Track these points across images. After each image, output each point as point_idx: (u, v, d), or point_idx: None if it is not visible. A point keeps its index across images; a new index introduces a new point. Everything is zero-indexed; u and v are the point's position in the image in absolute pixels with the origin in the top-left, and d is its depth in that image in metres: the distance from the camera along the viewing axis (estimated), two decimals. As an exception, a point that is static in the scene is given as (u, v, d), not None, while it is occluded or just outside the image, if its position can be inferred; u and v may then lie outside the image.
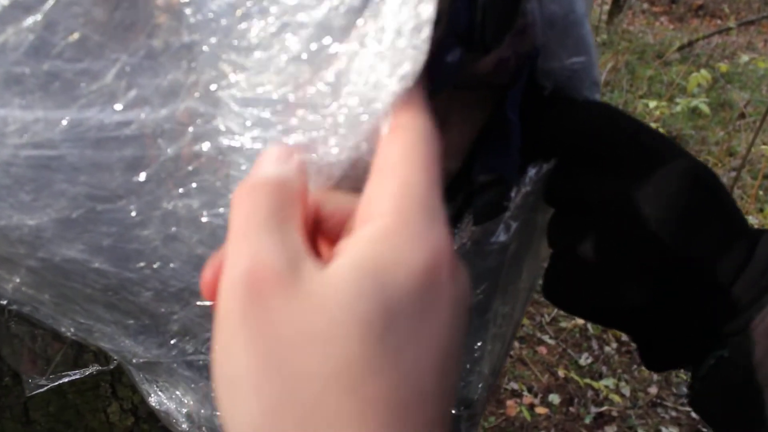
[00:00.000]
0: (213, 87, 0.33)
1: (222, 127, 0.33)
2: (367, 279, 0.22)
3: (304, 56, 0.28)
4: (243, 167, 0.34)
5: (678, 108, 3.42)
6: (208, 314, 0.45)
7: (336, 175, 0.29)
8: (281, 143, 0.29)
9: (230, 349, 0.23)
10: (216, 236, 0.39)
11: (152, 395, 0.59)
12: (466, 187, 0.43)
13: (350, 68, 0.27)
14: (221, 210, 0.38)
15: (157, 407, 0.60)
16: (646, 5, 6.67)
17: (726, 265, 0.38)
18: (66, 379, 0.67)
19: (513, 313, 0.61)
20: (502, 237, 0.44)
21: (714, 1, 6.58)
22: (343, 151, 0.28)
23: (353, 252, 0.23)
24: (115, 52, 0.33)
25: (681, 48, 4.55)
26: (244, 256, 0.24)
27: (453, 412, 0.67)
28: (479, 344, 0.61)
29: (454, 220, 0.44)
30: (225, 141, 0.34)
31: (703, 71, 3.22)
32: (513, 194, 0.43)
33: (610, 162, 0.38)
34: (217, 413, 0.57)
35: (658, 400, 2.19)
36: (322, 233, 0.28)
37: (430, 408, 0.22)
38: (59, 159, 0.36)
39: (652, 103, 3.30)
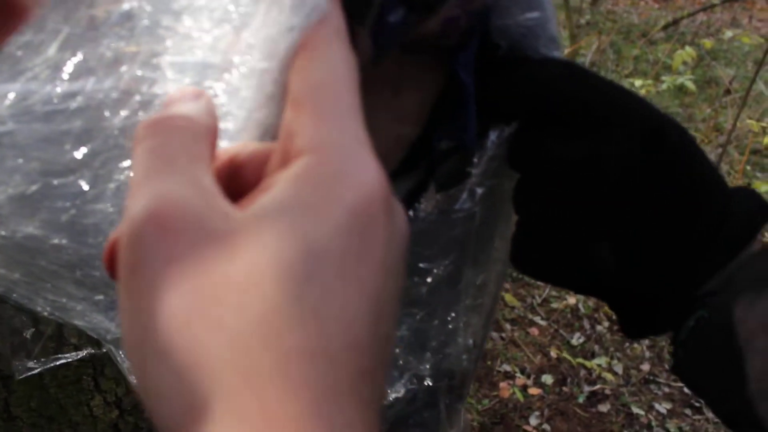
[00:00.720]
0: (153, 54, 0.33)
1: (162, 94, 0.34)
2: (286, 220, 0.20)
3: (225, 18, 0.28)
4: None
5: (664, 86, 3.42)
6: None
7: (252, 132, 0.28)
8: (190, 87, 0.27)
9: (135, 304, 0.20)
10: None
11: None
12: (427, 155, 0.42)
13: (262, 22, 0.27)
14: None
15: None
16: (630, -14, 6.66)
17: (700, 222, 0.37)
18: (58, 363, 0.66)
19: (488, 283, 0.62)
20: (467, 204, 0.44)
21: (698, -21, 6.58)
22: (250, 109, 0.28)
23: (273, 193, 0.21)
24: (57, 23, 0.34)
25: (666, 27, 4.55)
26: (146, 196, 0.21)
27: (431, 383, 0.68)
28: (452, 315, 0.62)
29: (418, 189, 0.44)
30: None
31: (688, 48, 3.23)
32: (476, 160, 0.42)
33: (572, 122, 0.37)
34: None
35: (651, 377, 2.21)
36: (239, 182, 0.25)
37: (364, 358, 0.20)
38: (9, 135, 0.36)
39: (638, 82, 3.30)
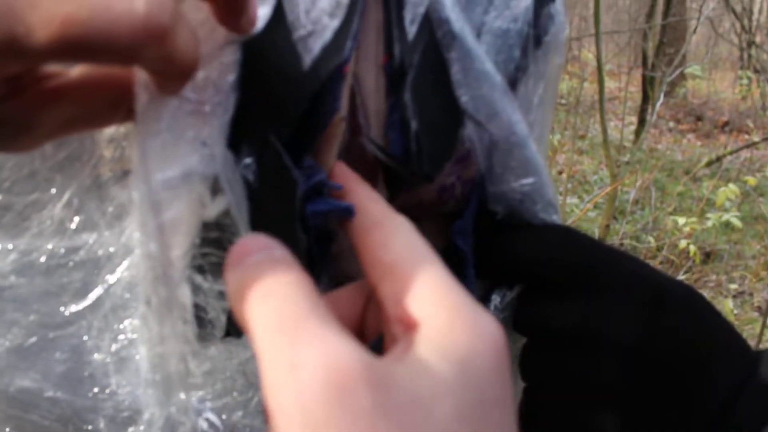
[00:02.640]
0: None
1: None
2: (455, 368, 0.23)
3: None
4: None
5: (710, 223, 3.38)
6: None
7: None
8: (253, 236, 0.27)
9: None
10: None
11: None
12: None
13: None
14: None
15: None
16: (672, 123, 6.78)
17: (719, 388, 0.34)
18: None
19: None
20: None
21: (739, 118, 6.66)
22: None
23: (427, 344, 0.23)
24: (64, 183, 0.35)
25: (709, 163, 4.56)
26: (312, 353, 0.21)
27: None
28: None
29: None
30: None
31: (732, 185, 3.21)
32: None
33: (572, 288, 0.36)
34: None
35: None
36: None
37: None
38: (11, 289, 0.37)
39: (682, 220, 3.27)
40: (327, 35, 0.31)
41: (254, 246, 0.25)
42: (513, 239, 0.38)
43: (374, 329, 0.29)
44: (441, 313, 0.24)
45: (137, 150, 0.27)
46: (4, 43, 0.21)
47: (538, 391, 0.38)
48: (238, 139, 0.30)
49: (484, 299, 0.40)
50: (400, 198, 0.38)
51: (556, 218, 0.38)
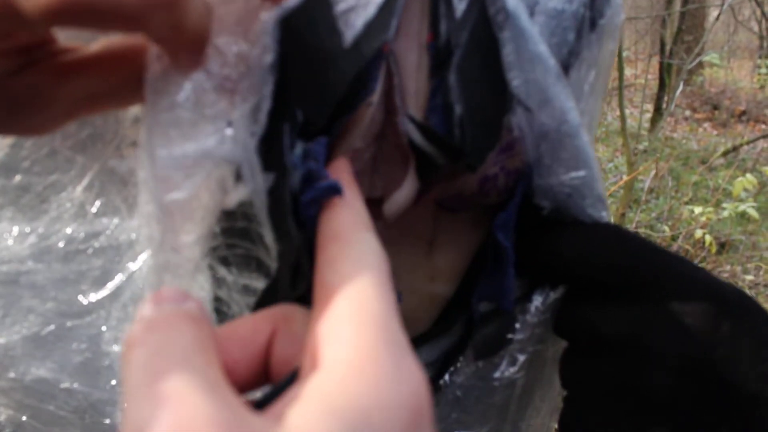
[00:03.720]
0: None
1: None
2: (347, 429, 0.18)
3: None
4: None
5: (725, 213, 3.34)
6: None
7: None
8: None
9: None
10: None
11: None
12: (465, 315, 0.39)
13: None
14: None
15: None
16: (688, 112, 6.70)
17: None
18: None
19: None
20: (508, 371, 0.39)
21: (757, 107, 6.57)
22: None
23: (318, 398, 0.19)
24: (85, 164, 0.33)
25: (726, 153, 4.51)
26: (164, 414, 0.18)
27: None
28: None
29: (455, 352, 0.40)
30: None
31: (749, 176, 3.16)
32: (518, 325, 0.38)
33: (621, 291, 0.34)
34: None
35: None
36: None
37: None
38: (28, 274, 0.35)
39: (698, 209, 3.23)
40: (371, 10, 0.28)
41: (164, 296, 0.23)
42: (559, 237, 0.35)
43: (288, 360, 0.25)
44: (354, 356, 0.20)
45: (145, 123, 0.25)
46: (2, 6, 0.20)
47: (579, 400, 0.35)
48: (271, 122, 0.28)
49: (525, 299, 0.37)
50: (437, 187, 0.36)
51: (605, 214, 0.36)
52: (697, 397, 0.32)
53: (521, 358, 0.38)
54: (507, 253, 0.35)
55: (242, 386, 0.24)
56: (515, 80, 0.30)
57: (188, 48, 0.24)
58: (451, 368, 0.38)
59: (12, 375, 0.38)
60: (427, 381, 0.21)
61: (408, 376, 0.20)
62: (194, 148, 0.25)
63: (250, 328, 0.25)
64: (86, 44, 0.26)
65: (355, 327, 0.21)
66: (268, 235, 0.28)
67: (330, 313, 0.21)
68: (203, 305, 0.23)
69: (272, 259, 0.28)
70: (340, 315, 0.21)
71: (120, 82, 0.26)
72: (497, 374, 0.38)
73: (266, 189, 0.27)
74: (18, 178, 0.33)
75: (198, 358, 0.20)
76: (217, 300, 0.32)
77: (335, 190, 0.26)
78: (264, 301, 0.32)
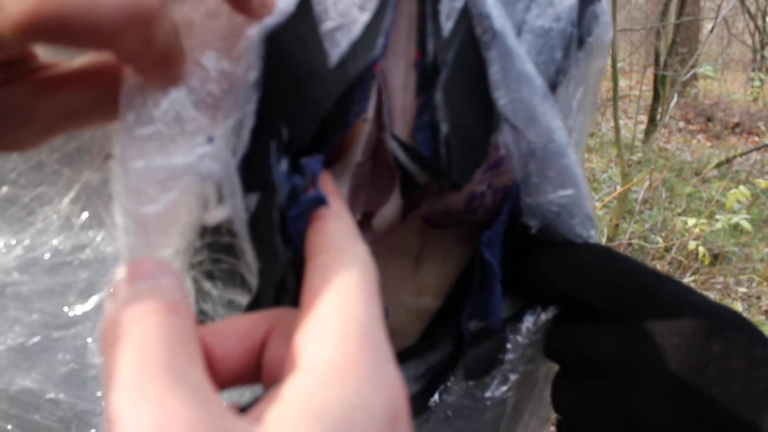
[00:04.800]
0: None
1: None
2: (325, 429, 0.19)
3: None
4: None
5: (718, 225, 3.35)
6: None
7: None
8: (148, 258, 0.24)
9: None
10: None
11: None
12: (452, 332, 0.39)
13: None
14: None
15: None
16: (682, 123, 6.73)
17: None
18: None
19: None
20: (499, 390, 0.39)
21: (750, 119, 6.60)
22: None
23: (298, 399, 0.19)
24: (71, 177, 0.33)
25: (719, 165, 4.52)
26: (144, 417, 0.18)
27: None
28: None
29: (443, 369, 0.40)
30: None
31: (742, 187, 3.18)
32: (509, 345, 0.38)
33: (610, 313, 0.34)
34: None
35: None
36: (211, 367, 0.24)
37: None
38: (13, 285, 0.35)
39: (691, 221, 3.24)
40: (356, 30, 0.28)
41: (139, 271, 0.22)
42: (549, 258, 0.35)
43: (280, 361, 0.25)
44: (335, 359, 0.20)
45: (119, 135, 0.25)
46: None
47: (572, 424, 0.35)
48: (256, 140, 0.28)
49: (516, 319, 0.37)
50: (425, 204, 0.36)
51: (593, 233, 0.36)
52: (688, 420, 0.31)
53: (512, 377, 0.38)
54: (493, 270, 0.35)
55: (233, 379, 0.24)
56: (502, 99, 0.31)
57: (157, 65, 0.24)
58: (441, 387, 0.38)
59: (-3, 385, 0.38)
60: (405, 390, 0.21)
61: (389, 380, 0.21)
62: (171, 163, 0.25)
63: (249, 324, 0.25)
64: (68, 60, 0.26)
65: (338, 331, 0.21)
66: (249, 252, 0.28)
67: (314, 318, 0.22)
68: (179, 279, 0.23)
69: (253, 275, 0.28)
70: (323, 319, 0.22)
71: (102, 97, 0.26)
72: (488, 393, 0.38)
73: (248, 207, 0.27)
74: (5, 189, 0.33)
75: (178, 355, 0.20)
76: (202, 314, 0.32)
77: (320, 201, 0.26)
78: None
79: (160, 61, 0.24)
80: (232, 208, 0.27)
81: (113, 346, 0.20)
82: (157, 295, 0.21)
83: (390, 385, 0.21)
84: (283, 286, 0.28)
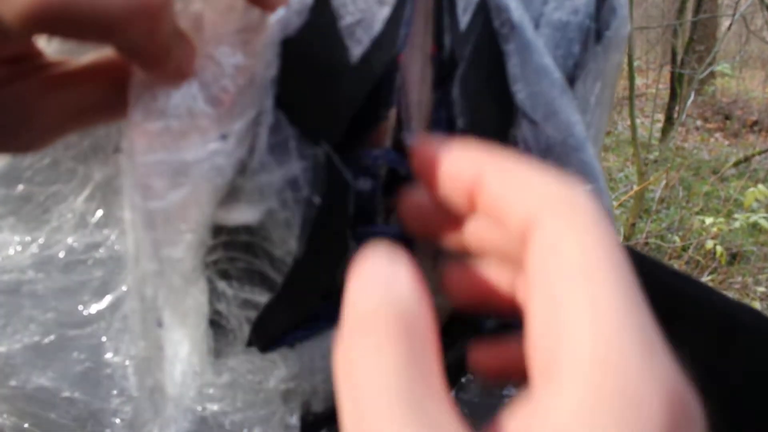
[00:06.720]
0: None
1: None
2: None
3: None
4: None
5: (737, 224, 3.31)
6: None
7: None
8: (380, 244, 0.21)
9: None
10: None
11: None
12: (470, 329, 0.39)
13: None
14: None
15: None
16: (699, 122, 6.67)
17: None
18: None
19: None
20: (515, 390, 0.39)
21: (769, 117, 6.54)
22: None
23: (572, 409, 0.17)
24: (86, 174, 0.33)
25: (737, 163, 4.48)
26: None
27: None
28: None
29: (460, 367, 0.40)
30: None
31: (761, 186, 3.14)
32: None
33: None
34: None
35: None
36: None
37: None
38: (29, 283, 0.35)
39: (709, 220, 3.21)
40: (377, 26, 0.28)
41: (375, 282, 0.20)
42: None
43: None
44: (602, 347, 0.18)
45: (129, 128, 0.25)
46: None
47: None
48: (276, 141, 0.28)
49: None
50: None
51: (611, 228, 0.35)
52: (712, 418, 0.31)
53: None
54: None
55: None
56: (521, 93, 0.30)
57: (159, 59, 0.24)
58: (459, 384, 0.38)
59: (13, 383, 0.38)
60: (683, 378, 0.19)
61: (665, 371, 0.19)
62: (181, 158, 0.25)
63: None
64: (73, 57, 0.26)
65: (596, 326, 0.19)
66: (279, 250, 0.28)
67: (563, 316, 0.19)
68: (417, 282, 0.21)
69: (279, 272, 0.28)
70: (577, 317, 0.19)
71: (112, 93, 0.25)
72: (506, 391, 0.37)
73: (311, 205, 0.28)
74: (20, 187, 0.33)
75: (407, 383, 0.18)
76: (216, 313, 0.32)
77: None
78: (265, 314, 0.31)
79: (163, 56, 0.23)
80: (255, 214, 0.27)
81: (338, 374, 0.19)
82: (391, 316, 0.20)
83: (671, 378, 0.19)
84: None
